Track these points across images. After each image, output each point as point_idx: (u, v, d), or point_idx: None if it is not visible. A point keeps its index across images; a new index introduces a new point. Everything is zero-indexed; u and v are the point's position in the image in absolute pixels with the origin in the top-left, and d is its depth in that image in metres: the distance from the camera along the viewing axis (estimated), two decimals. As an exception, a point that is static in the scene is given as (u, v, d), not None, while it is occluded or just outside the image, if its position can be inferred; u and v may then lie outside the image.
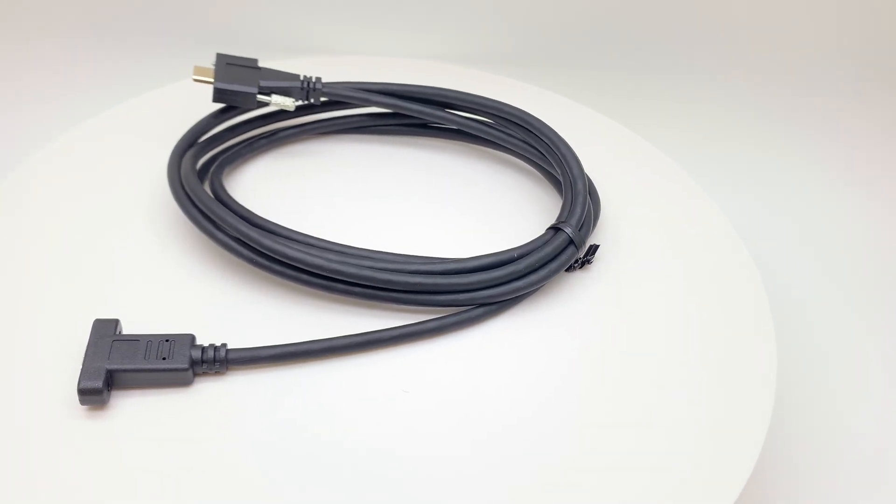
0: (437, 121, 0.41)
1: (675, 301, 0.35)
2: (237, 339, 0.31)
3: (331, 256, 0.32)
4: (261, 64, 0.39)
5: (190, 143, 0.37)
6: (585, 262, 0.35)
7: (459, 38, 0.53)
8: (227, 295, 0.33)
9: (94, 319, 0.30)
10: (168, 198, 0.37)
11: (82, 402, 0.28)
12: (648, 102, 0.55)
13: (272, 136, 0.41)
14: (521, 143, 0.40)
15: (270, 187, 0.39)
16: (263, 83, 0.38)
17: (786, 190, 0.54)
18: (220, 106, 0.39)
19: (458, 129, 0.41)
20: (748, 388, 0.31)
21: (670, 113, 0.55)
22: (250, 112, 0.40)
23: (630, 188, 0.40)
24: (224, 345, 0.30)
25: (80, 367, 0.28)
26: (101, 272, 0.34)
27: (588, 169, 0.37)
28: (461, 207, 0.39)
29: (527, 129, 0.38)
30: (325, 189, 0.39)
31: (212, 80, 0.38)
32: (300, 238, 0.33)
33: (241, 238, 0.32)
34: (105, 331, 0.30)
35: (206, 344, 0.30)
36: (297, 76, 0.39)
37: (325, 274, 0.32)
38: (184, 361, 0.29)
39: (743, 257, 0.37)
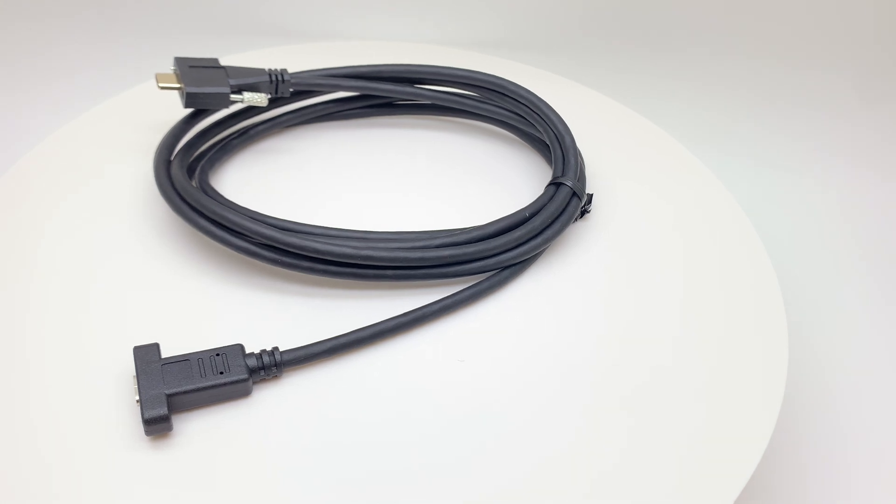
0: (409, 97, 0.41)
1: (670, 243, 0.37)
2: (274, 342, 0.30)
3: (357, 244, 0.32)
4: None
5: (169, 153, 0.36)
6: (585, 211, 0.37)
7: (436, 21, 0.52)
8: (249, 299, 0.33)
9: (132, 347, 0.29)
10: (153, 209, 0.36)
11: (148, 432, 0.27)
12: (647, 83, 0.54)
13: (244, 134, 0.40)
14: (496, 109, 0.41)
15: (256, 186, 0.38)
16: (233, 81, 0.37)
17: (794, 176, 0.53)
18: (186, 111, 0.37)
19: (431, 104, 0.42)
20: (758, 336, 0.33)
21: (672, 98, 0.54)
22: (217, 113, 0.39)
23: (617, 151, 0.42)
24: (276, 348, 0.29)
25: (137, 397, 0.27)
26: (107, 296, 0.32)
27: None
28: (449, 179, 0.40)
29: (502, 93, 0.39)
30: (310, 180, 0.39)
31: (178, 85, 0.36)
32: (318, 231, 0.33)
33: (265, 241, 0.31)
34: (149, 356, 0.28)
35: (256, 350, 0.29)
36: (264, 70, 0.38)
37: (355, 262, 0.32)
38: (243, 372, 0.28)
39: (734, 210, 0.39)
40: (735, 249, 0.37)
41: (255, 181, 0.39)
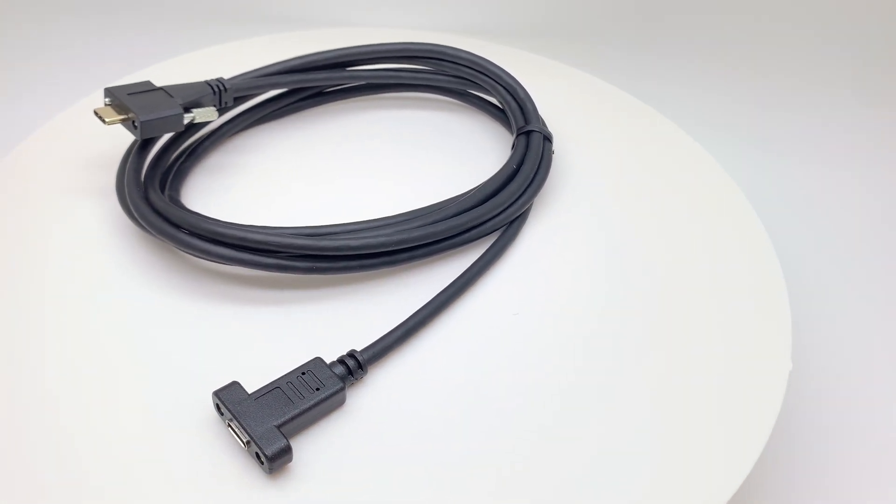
0: (346, 80, 0.41)
1: (665, 217, 0.38)
2: (334, 350, 0.30)
3: (387, 231, 0.32)
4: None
5: (139, 189, 0.33)
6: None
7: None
8: (281, 314, 0.32)
9: (212, 392, 0.27)
10: (131, 248, 0.34)
11: (271, 469, 0.26)
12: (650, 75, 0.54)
13: (192, 153, 0.37)
14: (436, 77, 0.41)
15: (221, 204, 0.36)
16: (180, 101, 0.35)
17: (794, 168, 0.53)
18: (105, 141, 0.35)
19: (367, 84, 0.42)
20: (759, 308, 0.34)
21: (672, 93, 0.53)
22: (161, 138, 0.36)
23: (615, 134, 0.43)
24: (353, 350, 0.29)
25: (246, 439, 0.26)
26: (134, 345, 0.30)
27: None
28: (409, 155, 0.40)
29: (441, 59, 0.40)
30: (275, 186, 0.38)
31: (125, 116, 0.33)
32: (341, 229, 0.32)
33: (297, 251, 0.30)
34: (235, 396, 0.27)
35: (334, 359, 0.29)
36: (203, 83, 0.36)
37: (388, 250, 0.32)
38: (337, 382, 0.28)
39: (736, 195, 0.39)
40: (736, 232, 0.37)
41: (224, 196, 0.37)
